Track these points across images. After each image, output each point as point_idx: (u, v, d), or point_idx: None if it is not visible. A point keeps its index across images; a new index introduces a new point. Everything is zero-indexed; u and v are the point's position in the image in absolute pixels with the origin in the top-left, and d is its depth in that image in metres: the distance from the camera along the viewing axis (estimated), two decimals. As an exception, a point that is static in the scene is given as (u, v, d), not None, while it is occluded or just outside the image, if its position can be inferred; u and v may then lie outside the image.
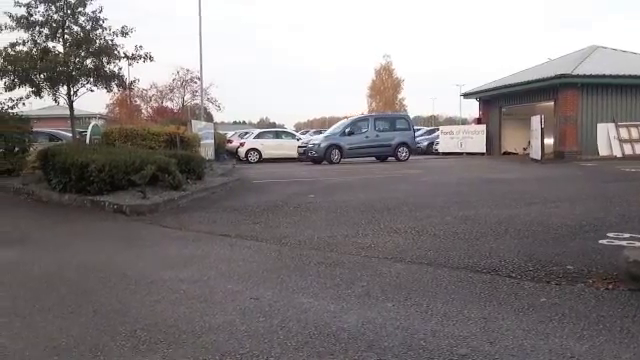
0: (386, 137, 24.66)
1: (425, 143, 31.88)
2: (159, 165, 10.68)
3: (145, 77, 65.27)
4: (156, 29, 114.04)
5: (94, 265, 5.72)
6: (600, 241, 6.15)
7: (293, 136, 30.27)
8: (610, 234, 6.46)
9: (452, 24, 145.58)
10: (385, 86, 64.01)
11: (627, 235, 6.37)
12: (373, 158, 24.78)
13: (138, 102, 49.04)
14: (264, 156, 27.34)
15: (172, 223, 8.31)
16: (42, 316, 4.10)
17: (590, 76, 22.28)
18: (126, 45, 15.95)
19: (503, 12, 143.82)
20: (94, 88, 15.89)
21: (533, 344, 3.34)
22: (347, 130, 24.69)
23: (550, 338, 3.43)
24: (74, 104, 16.19)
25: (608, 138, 22.54)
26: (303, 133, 35.77)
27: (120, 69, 16.09)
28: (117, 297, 4.53)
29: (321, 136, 25.64)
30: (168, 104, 50.65)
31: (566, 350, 3.24)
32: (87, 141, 15.81)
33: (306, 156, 24.53)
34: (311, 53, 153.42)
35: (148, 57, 15.92)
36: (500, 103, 27.99)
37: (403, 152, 24.84)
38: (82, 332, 3.72)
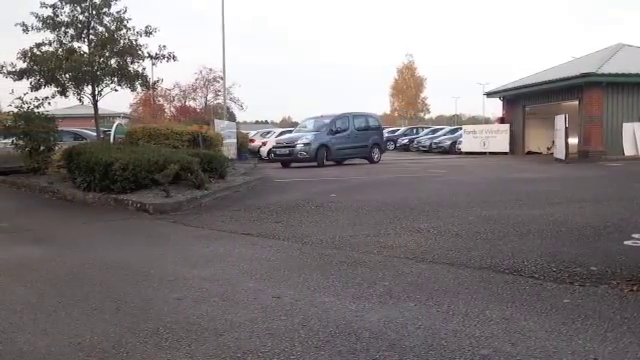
0: (364, 137, 23.06)
1: (448, 142, 31.70)
2: (182, 164, 10.79)
3: (168, 77, 65.87)
4: (180, 28, 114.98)
5: (117, 263, 5.80)
6: (625, 242, 6.06)
7: (315, 135, 30.23)
8: (635, 235, 6.36)
9: (476, 22, 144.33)
10: (407, 85, 63.87)
11: (653, 236, 6.27)
12: (352, 160, 22.87)
13: (161, 101, 49.57)
14: (286, 155, 27.36)
15: (195, 222, 8.39)
16: (67, 312, 4.18)
17: (615, 75, 21.95)
18: (150, 45, 16.13)
19: (527, 9, 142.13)
20: (118, 88, 16.08)
21: (555, 345, 3.31)
22: (333, 128, 22.15)
23: (573, 340, 3.40)
24: (98, 103, 16.41)
25: (634, 138, 22.18)
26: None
27: (144, 69, 16.26)
28: (140, 295, 4.59)
29: (310, 135, 21.85)
30: (191, 103, 51.15)
31: (589, 352, 3.20)
32: (111, 140, 16.01)
33: (281, 157, 21.72)
34: (334, 52, 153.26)
35: (171, 57, 16.07)
36: (524, 102, 27.71)
37: (376, 153, 23.44)
38: (105, 329, 3.78)
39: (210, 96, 51.94)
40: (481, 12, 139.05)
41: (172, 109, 49.79)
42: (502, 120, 29.70)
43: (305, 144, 21.33)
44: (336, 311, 4.02)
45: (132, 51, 15.48)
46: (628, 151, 22.05)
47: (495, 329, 3.60)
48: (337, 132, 22.20)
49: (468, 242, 6.33)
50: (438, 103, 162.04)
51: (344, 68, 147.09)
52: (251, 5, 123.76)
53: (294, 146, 21.46)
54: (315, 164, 20.85)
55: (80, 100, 16.81)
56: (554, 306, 4.06)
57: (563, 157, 21.02)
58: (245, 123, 62.41)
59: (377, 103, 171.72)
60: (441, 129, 37.84)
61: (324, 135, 21.74)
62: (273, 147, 22.83)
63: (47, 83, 15.06)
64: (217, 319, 3.91)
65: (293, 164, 21.38)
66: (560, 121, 21.59)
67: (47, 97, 15.15)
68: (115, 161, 10.32)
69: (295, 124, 32.05)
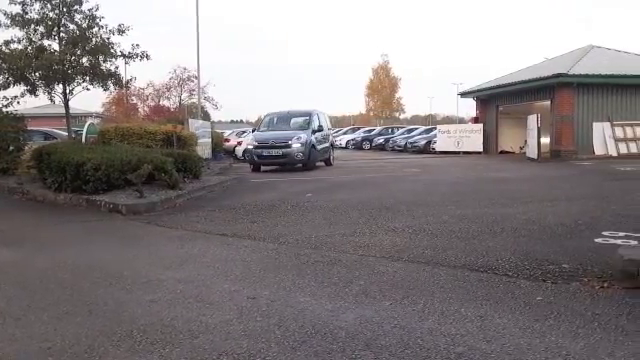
0: (325, 137, 20.85)
1: (423, 142, 31.91)
2: (156, 164, 10.66)
3: (142, 76, 65.25)
4: (153, 27, 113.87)
5: (90, 265, 5.71)
6: (596, 240, 6.16)
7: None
8: (605, 233, 6.48)
9: (449, 23, 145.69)
10: (383, 85, 64.21)
11: (622, 234, 6.39)
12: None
13: (135, 101, 48.95)
14: (261, 155, 27.23)
15: (169, 222, 8.30)
16: (37, 316, 4.09)
17: (586, 75, 22.33)
18: (123, 43, 15.96)
19: (500, 11, 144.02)
20: (90, 87, 15.88)
21: (529, 342, 3.35)
22: (315, 127, 19.39)
23: (546, 336, 3.44)
24: (70, 103, 16.18)
25: (604, 137, 22.60)
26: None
27: (117, 68, 16.08)
28: (113, 297, 4.52)
29: (303, 133, 18.71)
30: (165, 103, 50.57)
31: (562, 348, 3.25)
32: (83, 140, 15.77)
33: (272, 160, 18.42)
34: (310, 52, 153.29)
35: (145, 55, 15.92)
36: (497, 102, 28.04)
37: (332, 155, 21.52)
38: (77, 333, 3.71)
39: (184, 95, 51.45)
40: (455, 13, 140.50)
41: (146, 108, 49.18)
42: (476, 120, 30.01)
43: (302, 144, 18.30)
44: (312, 311, 4.01)
45: (104, 49, 15.28)
46: (598, 150, 22.46)
47: (470, 327, 3.62)
48: (318, 130, 19.59)
49: (443, 241, 6.37)
50: (413, 103, 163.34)
51: (321, 68, 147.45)
52: (227, 4, 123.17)
53: (288, 146, 18.13)
54: (299, 166, 18.43)
55: (51, 99, 16.55)
56: (527, 303, 4.10)
57: (535, 156, 21.33)
58: (220, 122, 62.08)
59: (353, 103, 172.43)
60: (416, 129, 38.07)
61: (310, 134, 18.84)
62: (255, 147, 18.64)
63: (16, 82, 14.80)
64: (192, 321, 3.86)
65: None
66: (532, 121, 21.90)
67: (16, 96, 14.89)
68: (87, 161, 10.15)
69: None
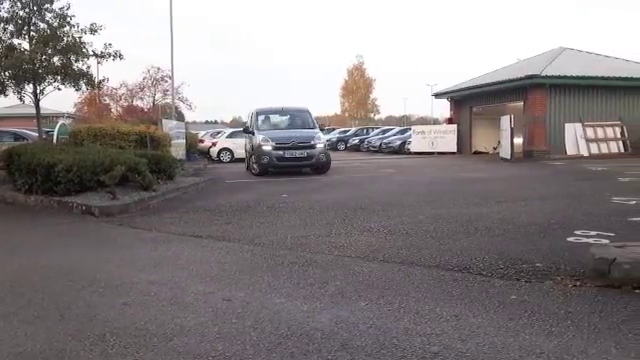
0: None
1: (398, 143, 32.07)
2: (129, 165, 10.54)
3: (115, 75, 64.36)
4: (127, 27, 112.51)
5: (61, 268, 5.60)
6: (568, 239, 6.25)
7: (265, 136, 30.06)
8: (577, 232, 6.57)
9: (424, 24, 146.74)
10: (357, 86, 64.45)
11: (594, 233, 6.50)
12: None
13: (107, 101, 48.32)
14: (237, 156, 27.09)
15: (142, 224, 8.20)
16: (6, 321, 3.99)
17: (558, 77, 22.68)
18: (95, 43, 15.73)
19: (473, 12, 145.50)
20: (61, 86, 15.62)
21: (503, 341, 3.37)
22: (322, 127, 18.82)
23: (520, 335, 3.47)
24: (40, 103, 15.89)
25: (575, 138, 22.97)
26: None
27: (89, 67, 15.84)
28: (85, 301, 4.44)
29: (320, 133, 17.56)
30: (138, 103, 50.02)
31: (535, 347, 3.28)
32: (54, 141, 15.52)
33: (293, 163, 16.39)
34: (284, 52, 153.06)
35: (118, 55, 15.71)
36: (471, 103, 28.31)
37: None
38: (48, 337, 3.63)
39: (158, 96, 50.94)
40: (429, 14, 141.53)
41: (119, 109, 48.62)
42: (450, 121, 30.26)
43: (324, 144, 17.31)
44: (288, 312, 3.99)
45: (76, 49, 15.04)
46: (570, 150, 22.82)
47: (445, 326, 3.64)
48: (321, 129, 18.72)
49: (418, 241, 6.40)
50: (388, 104, 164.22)
51: (295, 68, 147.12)
52: (201, 4, 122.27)
53: (312, 146, 16.47)
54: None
55: (21, 99, 16.26)
56: (502, 302, 4.14)
57: (509, 157, 21.59)
58: (194, 123, 61.73)
59: (328, 104, 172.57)
60: (391, 129, 38.26)
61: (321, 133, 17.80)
62: (274, 148, 16.20)
63: (-16, 81, 14.49)
64: (166, 324, 3.81)
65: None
66: (506, 121, 22.17)
67: (-16, 96, 14.59)
68: (58, 162, 9.98)
69: (245, 124, 30.30)
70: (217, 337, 3.54)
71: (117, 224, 8.32)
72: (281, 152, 16.20)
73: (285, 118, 18.59)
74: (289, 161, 16.30)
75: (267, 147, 16.35)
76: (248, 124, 18.61)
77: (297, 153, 16.24)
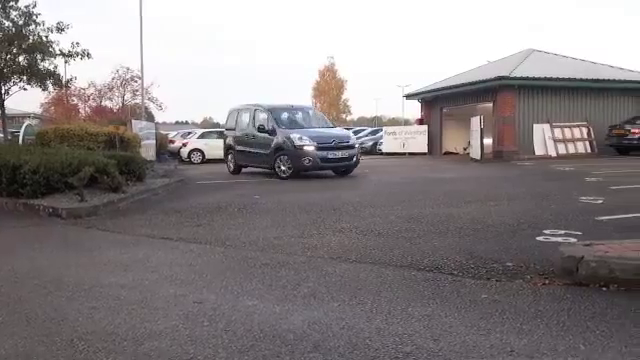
0: None
1: (369, 143, 32.25)
2: (97, 166, 10.36)
3: (83, 75, 63.32)
4: (96, 25, 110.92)
5: (28, 272, 5.47)
6: (537, 238, 6.34)
7: (237, 136, 29.92)
8: (546, 231, 6.68)
9: (395, 26, 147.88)
10: (329, 86, 64.52)
11: (562, 232, 6.60)
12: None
13: (75, 101, 47.49)
14: (207, 157, 26.97)
15: (111, 226, 8.07)
16: (-29, 327, 3.88)
17: (527, 78, 23.07)
18: (62, 42, 15.50)
19: (444, 14, 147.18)
20: (27, 86, 15.35)
21: (475, 340, 3.40)
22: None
23: (491, 334, 3.50)
24: (6, 103, 15.57)
25: (544, 138, 23.39)
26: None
27: (56, 67, 15.62)
28: (52, 305, 4.34)
29: (347, 132, 17.31)
30: (107, 103, 49.26)
31: (506, 345, 3.31)
32: (20, 142, 15.20)
33: (334, 164, 15.53)
34: (257, 53, 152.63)
35: (86, 54, 15.53)
36: (441, 104, 28.59)
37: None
38: (14, 343, 3.54)
39: (128, 96, 50.19)
40: (401, 16, 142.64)
41: (87, 109, 47.84)
42: (421, 121, 30.51)
43: (355, 145, 16.64)
44: (260, 314, 3.97)
45: (42, 48, 14.80)
46: (538, 151, 23.23)
47: (417, 326, 3.66)
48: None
49: (390, 241, 6.43)
50: (359, 105, 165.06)
51: (266, 68, 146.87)
52: (172, 4, 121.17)
53: (351, 147, 15.91)
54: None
55: (-15, 99, 15.86)
56: (473, 302, 4.18)
57: (479, 157, 21.86)
58: (165, 124, 61.05)
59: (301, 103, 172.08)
60: (362, 130, 38.45)
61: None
62: (317, 148, 15.05)
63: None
64: (136, 327, 3.75)
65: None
66: (475, 122, 22.45)
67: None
68: (24, 163, 9.77)
69: (217, 125, 29.67)
70: (188, 340, 3.49)
71: (85, 227, 8.17)
72: (324, 153, 15.11)
73: (302, 115, 17.37)
74: (332, 162, 15.39)
75: (309, 148, 15.04)
76: (248, 122, 17.02)
77: (339, 154, 15.36)
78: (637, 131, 21.52)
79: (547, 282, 4.60)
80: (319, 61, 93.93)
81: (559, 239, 6.17)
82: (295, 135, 15.36)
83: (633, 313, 3.82)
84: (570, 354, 3.16)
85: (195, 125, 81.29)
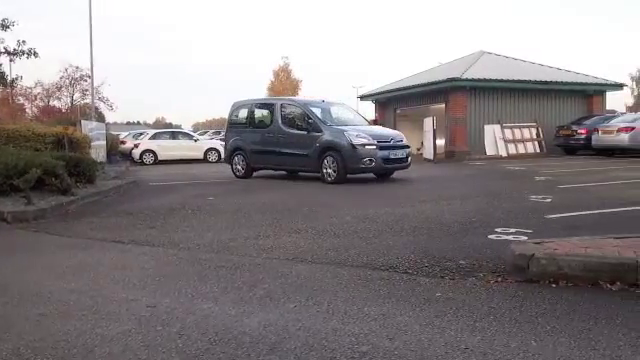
0: None
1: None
2: (45, 168, 10.05)
3: (30, 74, 61.43)
4: (43, 23, 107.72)
5: (-29, 278, 5.25)
6: (489, 236, 6.47)
7: (191, 137, 29.61)
8: (498, 229, 6.82)
9: (350, 27, 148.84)
10: (284, 87, 64.28)
11: (513, 230, 6.75)
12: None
13: (22, 101, 46.13)
14: (160, 158, 26.55)
15: (60, 230, 7.83)
16: None
17: (477, 80, 23.55)
18: (7, 39, 14.97)
19: (399, 16, 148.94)
20: (-30, 86, 14.77)
21: (430, 338, 3.43)
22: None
23: (446, 331, 3.54)
24: (-53, 103, 14.94)
25: (494, 138, 23.94)
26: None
27: (0, 65, 15.04)
28: (-2, 312, 4.18)
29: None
30: (56, 103, 48.08)
31: (460, 342, 3.35)
32: (-38, 143, 14.59)
33: (394, 165, 13.99)
34: (210, 53, 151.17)
35: (33, 53, 15.03)
36: (395, 105, 28.90)
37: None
38: (-44, 352, 3.39)
39: (77, 96, 49.08)
40: (355, 17, 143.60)
41: (34, 109, 46.51)
42: (375, 122, 30.53)
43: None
44: (215, 317, 3.91)
45: (-15, 46, 14.26)
46: (489, 151, 23.76)
47: (373, 325, 3.67)
48: None
49: (346, 241, 6.45)
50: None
51: (221, 69, 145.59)
52: (125, 3, 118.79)
53: (407, 146, 14.41)
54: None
55: None
56: (427, 300, 4.22)
57: (432, 157, 22.21)
58: (116, 124, 59.85)
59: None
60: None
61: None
62: (379, 147, 13.42)
63: None
64: (86, 334, 3.64)
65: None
66: (428, 123, 22.79)
67: None
68: (-33, 166, 9.40)
69: (169, 125, 29.24)
70: (141, 345, 3.41)
71: (33, 230, 7.90)
72: (386, 152, 13.56)
73: (339, 111, 15.68)
74: (393, 163, 13.84)
75: (370, 147, 13.34)
76: (273, 119, 15.15)
77: (399, 153, 13.90)
78: (583, 131, 22.23)
79: (499, 279, 4.69)
80: (274, 61, 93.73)
81: (510, 237, 6.30)
82: (352, 132, 13.57)
83: (580, 308, 3.94)
84: (522, 350, 3.22)
85: (147, 126, 79.92)
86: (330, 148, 13.50)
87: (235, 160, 16.06)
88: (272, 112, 15.24)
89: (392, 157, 13.63)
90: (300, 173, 15.20)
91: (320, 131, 13.84)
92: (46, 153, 12.61)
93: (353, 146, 13.18)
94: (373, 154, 13.25)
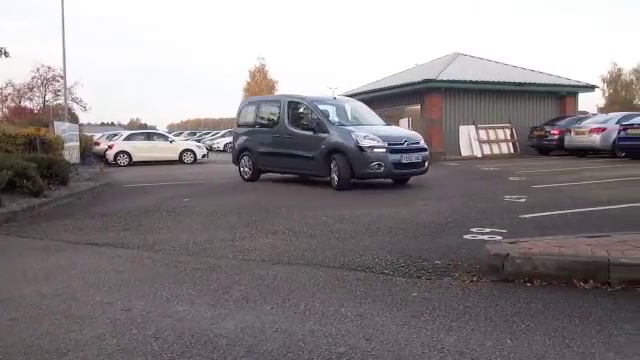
0: None
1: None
2: (16, 170, 9.89)
3: (0, 75, 60.30)
4: (14, 22, 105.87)
5: (-61, 282, 5.13)
6: (464, 236, 6.52)
7: (166, 138, 29.33)
8: (473, 229, 6.88)
9: (326, 28, 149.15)
10: (260, 87, 64.11)
11: (488, 230, 6.82)
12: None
13: (-8, 102, 45.25)
14: (135, 159, 26.24)
15: (32, 233, 7.69)
16: None
17: (453, 81, 23.75)
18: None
19: (375, 16, 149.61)
20: (-62, 86, 14.42)
21: (406, 338, 3.45)
22: None
23: (422, 331, 3.56)
24: None
25: (469, 139, 24.17)
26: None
27: (-31, 65, 14.75)
28: (-33, 317, 4.08)
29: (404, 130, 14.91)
30: (27, 104, 47.28)
31: (437, 342, 3.37)
32: None
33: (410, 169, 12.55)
34: (185, 54, 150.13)
35: (3, 52, 14.72)
36: (371, 106, 28.75)
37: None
38: None
39: (49, 96, 48.35)
40: (331, 18, 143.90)
41: (5, 110, 45.67)
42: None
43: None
44: (191, 320, 3.87)
45: (-46, 45, 13.95)
46: (464, 152, 23.98)
47: (350, 326, 3.67)
48: None
49: (322, 242, 6.44)
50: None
51: (197, 69, 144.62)
52: (101, 3, 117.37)
53: (423, 149, 12.78)
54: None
55: None
56: (404, 300, 4.24)
57: (408, 158, 22.30)
58: (89, 125, 59.01)
59: (232, 105, 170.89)
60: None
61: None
62: (389, 151, 11.91)
63: None
64: (60, 338, 3.58)
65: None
66: (404, 124, 22.94)
67: None
68: None
69: (144, 126, 29.08)
70: (116, 349, 3.36)
71: (3, 234, 7.75)
72: (398, 156, 12.00)
73: (351, 110, 14.57)
74: (406, 168, 12.33)
75: (380, 150, 11.89)
76: (279, 118, 14.02)
77: (413, 157, 12.32)
78: (556, 132, 22.57)
79: (475, 279, 4.73)
80: (250, 62, 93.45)
81: (485, 237, 6.36)
82: (359, 133, 12.16)
83: (555, 306, 3.99)
84: (497, 349, 3.25)
85: (122, 127, 78.95)
86: (336, 150, 12.19)
87: (242, 162, 15.05)
88: (281, 110, 14.01)
89: (405, 161, 12.09)
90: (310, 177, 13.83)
91: (327, 131, 12.55)
92: (17, 155, 12.38)
93: (360, 148, 11.83)
94: (383, 158, 11.80)
